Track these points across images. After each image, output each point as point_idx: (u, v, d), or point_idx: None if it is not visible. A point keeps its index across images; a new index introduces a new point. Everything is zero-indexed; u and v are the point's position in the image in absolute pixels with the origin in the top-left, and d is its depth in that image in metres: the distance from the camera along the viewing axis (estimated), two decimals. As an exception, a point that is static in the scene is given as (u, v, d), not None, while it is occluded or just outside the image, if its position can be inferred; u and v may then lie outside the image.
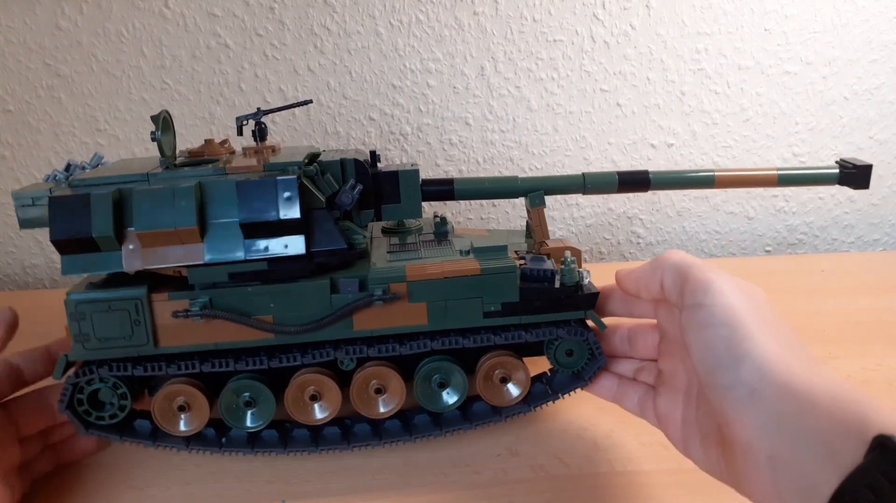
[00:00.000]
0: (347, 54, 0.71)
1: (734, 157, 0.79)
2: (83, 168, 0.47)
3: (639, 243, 0.84)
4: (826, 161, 0.80)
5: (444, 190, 0.51)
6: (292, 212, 0.39)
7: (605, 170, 0.53)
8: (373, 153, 0.49)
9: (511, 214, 0.81)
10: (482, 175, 0.78)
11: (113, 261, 0.38)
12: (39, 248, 0.78)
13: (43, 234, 0.78)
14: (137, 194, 0.38)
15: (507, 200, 0.80)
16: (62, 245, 0.38)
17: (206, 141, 0.48)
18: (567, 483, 0.44)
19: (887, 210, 0.84)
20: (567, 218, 0.81)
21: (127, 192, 0.39)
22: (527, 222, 0.51)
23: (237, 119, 0.47)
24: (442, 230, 0.52)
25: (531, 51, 0.72)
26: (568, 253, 0.43)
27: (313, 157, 0.45)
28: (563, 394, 0.45)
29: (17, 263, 0.79)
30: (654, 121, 0.77)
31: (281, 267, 0.40)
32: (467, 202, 0.80)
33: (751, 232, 0.84)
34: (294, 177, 0.40)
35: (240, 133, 0.46)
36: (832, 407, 0.25)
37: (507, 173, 0.78)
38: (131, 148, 0.74)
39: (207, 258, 0.39)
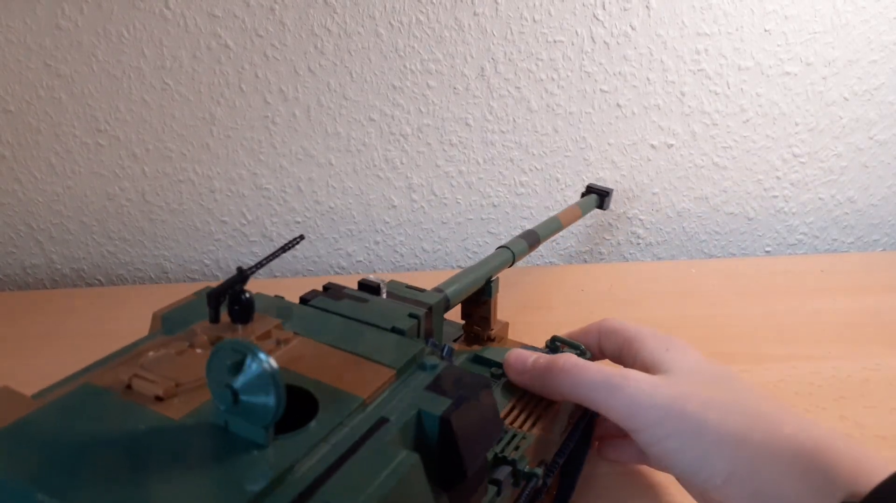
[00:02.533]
0: (348, 55, 0.71)
1: (734, 157, 0.79)
2: None
3: (639, 244, 0.84)
4: (826, 161, 0.80)
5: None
6: None
7: (517, 234, 0.55)
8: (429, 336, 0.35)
9: (511, 215, 0.81)
10: (482, 173, 0.78)
11: None
12: (40, 249, 0.78)
13: (43, 235, 0.78)
14: None
15: (507, 200, 0.80)
16: None
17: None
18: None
19: (887, 211, 0.84)
20: (567, 218, 0.81)
21: None
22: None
23: (209, 299, 0.29)
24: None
25: (531, 51, 0.72)
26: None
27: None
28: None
29: (17, 263, 0.79)
30: (654, 121, 0.77)
31: None
32: (468, 203, 0.80)
33: (751, 232, 0.84)
34: None
35: (215, 320, 0.30)
36: (802, 473, 0.27)
37: (506, 174, 0.78)
38: (132, 148, 0.74)
39: None
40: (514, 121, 0.76)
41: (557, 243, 0.83)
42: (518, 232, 0.82)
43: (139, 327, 0.33)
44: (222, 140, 0.74)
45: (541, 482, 0.31)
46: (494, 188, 0.79)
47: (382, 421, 0.26)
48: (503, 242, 0.54)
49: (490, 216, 0.81)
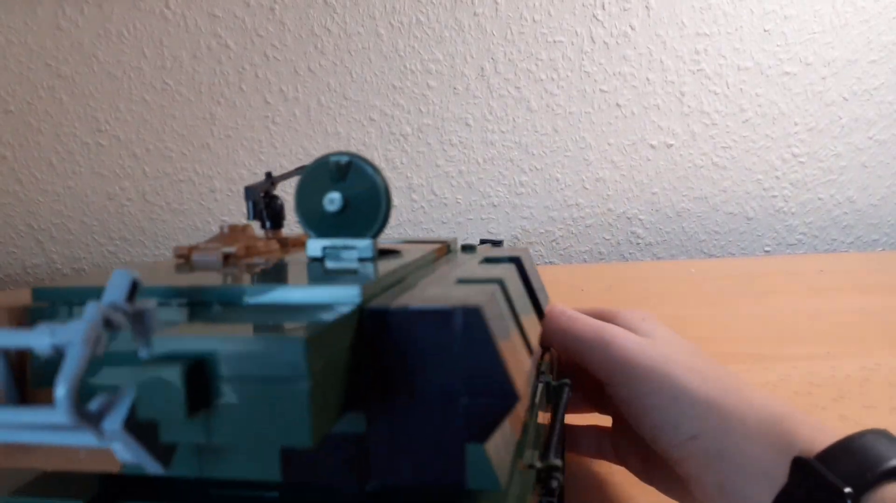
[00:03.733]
0: (348, 55, 0.71)
1: (733, 157, 0.79)
2: None
3: (638, 243, 0.84)
4: (825, 161, 0.80)
5: None
6: None
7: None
8: None
9: (511, 215, 0.81)
10: (482, 173, 0.78)
11: None
12: (41, 248, 0.79)
13: (44, 234, 0.78)
14: None
15: (507, 200, 0.80)
16: None
17: (227, 228, 0.29)
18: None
19: (886, 210, 0.84)
20: (567, 218, 0.81)
21: None
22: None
23: (246, 192, 0.29)
24: None
25: (531, 52, 0.72)
26: None
27: None
28: None
29: (17, 263, 0.79)
30: (653, 121, 0.77)
31: None
32: (468, 203, 0.80)
33: (750, 232, 0.84)
34: None
35: (253, 216, 0.30)
36: (764, 434, 0.29)
37: (507, 174, 0.78)
38: (132, 148, 0.74)
39: None
40: (514, 121, 0.76)
41: (557, 243, 0.83)
42: (518, 232, 0.82)
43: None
44: (223, 140, 0.74)
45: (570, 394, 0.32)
46: (494, 188, 0.79)
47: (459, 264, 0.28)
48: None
49: (490, 216, 0.81)
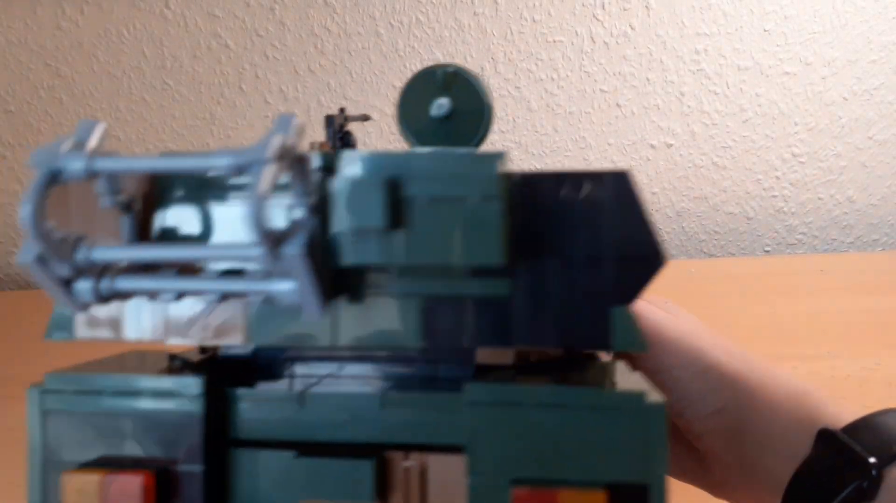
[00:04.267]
0: (348, 55, 0.71)
1: (733, 157, 0.79)
2: None
3: (638, 243, 0.84)
4: (825, 161, 0.80)
5: None
6: None
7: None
8: None
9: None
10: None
11: None
12: (40, 249, 0.79)
13: (44, 235, 0.78)
14: None
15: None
16: None
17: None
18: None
19: (886, 210, 0.84)
20: (567, 218, 0.81)
21: None
22: None
23: (327, 119, 0.28)
24: None
25: (531, 51, 0.72)
26: None
27: None
28: None
29: (17, 263, 0.79)
30: (653, 121, 0.77)
31: None
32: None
33: (750, 232, 0.84)
34: None
35: (332, 143, 0.29)
36: (790, 408, 0.30)
37: (506, 174, 0.78)
38: (132, 148, 0.74)
39: None
40: (514, 121, 0.76)
41: (557, 243, 0.83)
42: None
43: (140, 327, 0.33)
44: (223, 140, 0.74)
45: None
46: (494, 188, 0.79)
47: None
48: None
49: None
